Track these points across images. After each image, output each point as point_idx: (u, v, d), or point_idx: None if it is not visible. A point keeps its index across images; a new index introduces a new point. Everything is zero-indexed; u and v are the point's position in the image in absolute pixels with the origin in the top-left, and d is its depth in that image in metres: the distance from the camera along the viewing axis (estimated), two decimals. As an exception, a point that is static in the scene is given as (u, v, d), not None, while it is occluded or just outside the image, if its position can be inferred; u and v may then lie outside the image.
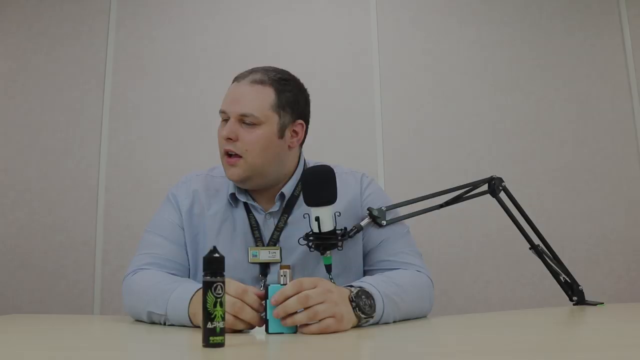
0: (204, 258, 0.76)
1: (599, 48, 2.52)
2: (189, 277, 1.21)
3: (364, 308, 0.95)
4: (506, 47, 2.51)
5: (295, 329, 0.88)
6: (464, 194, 1.32)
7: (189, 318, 0.98)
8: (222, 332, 0.74)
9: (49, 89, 2.42)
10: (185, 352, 0.78)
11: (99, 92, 2.43)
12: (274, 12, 2.52)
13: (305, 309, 0.87)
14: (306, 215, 1.11)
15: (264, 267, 1.18)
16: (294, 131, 1.22)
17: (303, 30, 2.50)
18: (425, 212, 1.27)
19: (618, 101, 2.48)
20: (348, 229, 1.14)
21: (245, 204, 1.22)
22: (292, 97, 1.20)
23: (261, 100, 1.16)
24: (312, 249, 1.11)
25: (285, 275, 0.87)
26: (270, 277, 1.17)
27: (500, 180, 1.30)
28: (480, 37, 2.51)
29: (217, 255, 0.76)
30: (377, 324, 1.00)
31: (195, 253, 1.22)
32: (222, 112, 1.19)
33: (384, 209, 1.20)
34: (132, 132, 2.39)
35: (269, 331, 0.87)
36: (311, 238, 1.09)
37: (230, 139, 1.15)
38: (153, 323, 1.08)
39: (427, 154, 2.40)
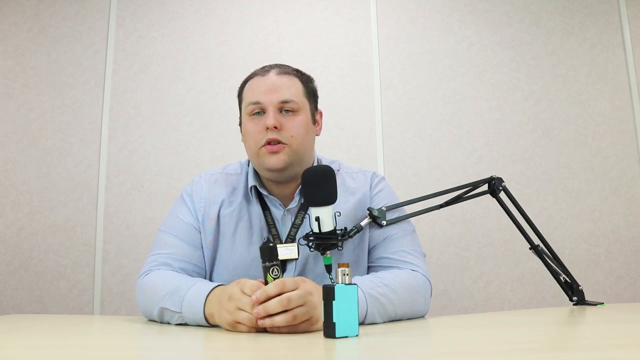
0: (261, 249, 0.91)
1: (599, 48, 2.52)
2: (205, 278, 1.19)
3: None
4: (506, 47, 2.51)
5: (357, 332, 0.84)
6: (464, 194, 1.32)
7: (205, 318, 0.98)
8: None
9: (49, 89, 2.42)
10: (185, 353, 0.78)
11: (99, 92, 2.43)
12: (274, 12, 2.52)
13: (285, 311, 0.86)
14: (307, 215, 1.10)
15: (282, 265, 1.15)
16: (316, 120, 1.26)
17: (303, 30, 2.50)
18: (425, 212, 1.27)
19: (618, 101, 2.48)
20: (349, 229, 1.14)
21: (262, 201, 1.21)
22: (312, 87, 1.25)
23: (295, 87, 1.19)
24: (312, 249, 1.10)
25: (346, 274, 0.83)
26: (287, 275, 1.15)
27: (500, 180, 1.30)
28: (480, 37, 2.51)
29: (271, 244, 0.92)
30: (362, 324, 0.98)
31: (212, 253, 1.19)
32: (255, 103, 1.16)
33: (384, 209, 1.20)
34: (132, 132, 2.39)
35: (337, 335, 0.81)
36: (311, 238, 1.08)
37: (276, 128, 1.14)
38: (162, 323, 1.07)
39: (427, 154, 2.40)
